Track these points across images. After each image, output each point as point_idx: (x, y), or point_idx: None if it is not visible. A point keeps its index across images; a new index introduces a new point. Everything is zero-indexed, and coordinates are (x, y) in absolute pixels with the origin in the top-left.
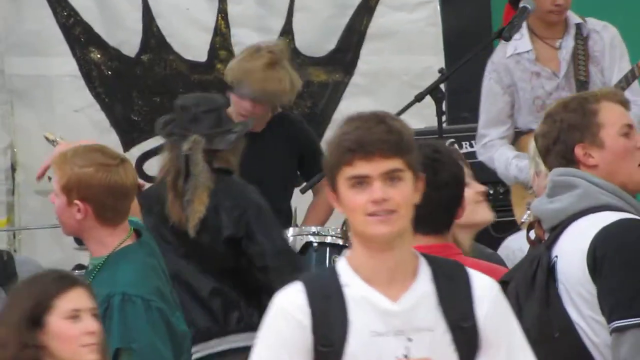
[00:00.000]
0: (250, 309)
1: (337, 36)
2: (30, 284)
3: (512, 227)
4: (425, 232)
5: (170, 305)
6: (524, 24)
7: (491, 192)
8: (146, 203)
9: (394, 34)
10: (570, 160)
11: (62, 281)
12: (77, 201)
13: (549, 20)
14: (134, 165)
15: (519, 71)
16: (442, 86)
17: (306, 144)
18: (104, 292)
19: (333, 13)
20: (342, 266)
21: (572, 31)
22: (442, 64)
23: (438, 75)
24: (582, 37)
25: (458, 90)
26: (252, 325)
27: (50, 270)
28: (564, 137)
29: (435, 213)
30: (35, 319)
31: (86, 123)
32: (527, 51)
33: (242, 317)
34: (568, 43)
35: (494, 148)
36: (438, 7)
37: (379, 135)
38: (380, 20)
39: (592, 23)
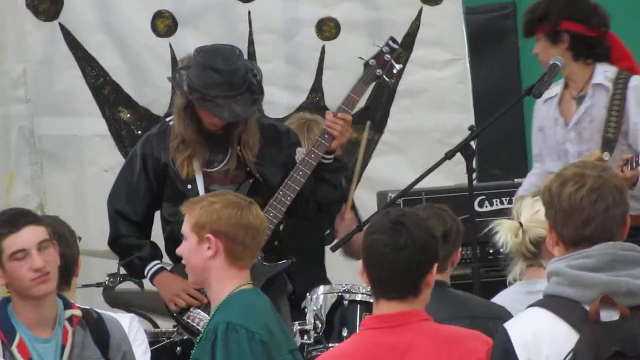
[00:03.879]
0: None
1: (366, 94)
2: None
3: (501, 287)
4: (388, 298)
5: (279, 345)
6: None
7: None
8: None
9: (424, 92)
10: None
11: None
12: (209, 235)
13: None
14: None
15: (546, 116)
16: (472, 143)
17: None
18: (213, 324)
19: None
20: None
21: (592, 86)
22: (472, 122)
23: (468, 132)
24: (619, 93)
25: (488, 148)
26: None
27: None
28: None
29: (395, 277)
30: None
31: None
32: (555, 95)
33: None
34: (588, 97)
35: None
36: (467, 65)
37: None
38: (409, 78)
39: (634, 79)
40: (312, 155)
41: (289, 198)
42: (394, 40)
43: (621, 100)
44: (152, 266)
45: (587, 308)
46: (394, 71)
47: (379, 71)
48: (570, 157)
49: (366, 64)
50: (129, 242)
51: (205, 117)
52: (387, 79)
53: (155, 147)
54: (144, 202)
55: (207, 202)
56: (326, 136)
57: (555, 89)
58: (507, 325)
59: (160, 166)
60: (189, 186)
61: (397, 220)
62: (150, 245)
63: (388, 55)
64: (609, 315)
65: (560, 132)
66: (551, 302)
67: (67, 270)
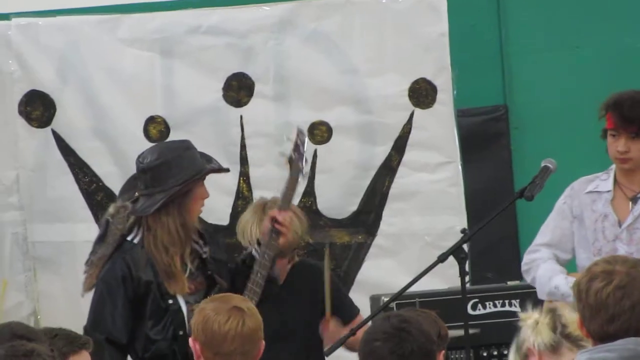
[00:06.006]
0: None
1: (359, 197)
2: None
3: None
4: None
5: None
6: (612, 167)
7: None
8: None
9: (416, 195)
10: None
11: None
12: (191, 338)
13: (619, 167)
14: None
15: (590, 209)
16: (465, 246)
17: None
18: None
19: (355, 174)
20: None
21: None
22: (465, 224)
23: (460, 235)
24: None
25: (481, 250)
26: None
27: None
28: None
29: None
30: None
31: None
32: (607, 191)
33: None
34: None
35: (545, 260)
36: (460, 167)
37: None
38: (401, 181)
39: None
40: (266, 257)
41: (253, 302)
42: (301, 132)
43: None
44: None
45: None
46: (304, 163)
47: (301, 163)
48: None
49: (290, 159)
50: None
51: (203, 192)
52: (304, 171)
53: (132, 267)
54: (129, 325)
55: (200, 306)
56: (274, 235)
57: (604, 184)
58: None
59: (141, 285)
60: (170, 301)
61: (401, 327)
62: None
63: (302, 147)
64: None
65: (611, 229)
66: None
67: None
